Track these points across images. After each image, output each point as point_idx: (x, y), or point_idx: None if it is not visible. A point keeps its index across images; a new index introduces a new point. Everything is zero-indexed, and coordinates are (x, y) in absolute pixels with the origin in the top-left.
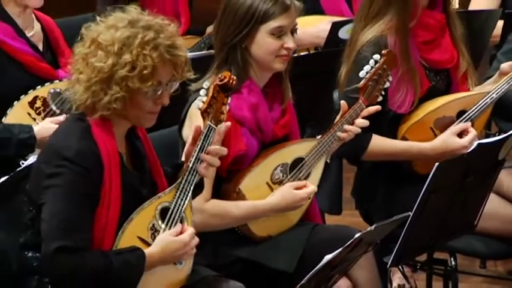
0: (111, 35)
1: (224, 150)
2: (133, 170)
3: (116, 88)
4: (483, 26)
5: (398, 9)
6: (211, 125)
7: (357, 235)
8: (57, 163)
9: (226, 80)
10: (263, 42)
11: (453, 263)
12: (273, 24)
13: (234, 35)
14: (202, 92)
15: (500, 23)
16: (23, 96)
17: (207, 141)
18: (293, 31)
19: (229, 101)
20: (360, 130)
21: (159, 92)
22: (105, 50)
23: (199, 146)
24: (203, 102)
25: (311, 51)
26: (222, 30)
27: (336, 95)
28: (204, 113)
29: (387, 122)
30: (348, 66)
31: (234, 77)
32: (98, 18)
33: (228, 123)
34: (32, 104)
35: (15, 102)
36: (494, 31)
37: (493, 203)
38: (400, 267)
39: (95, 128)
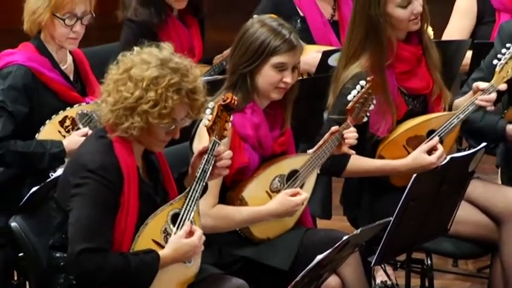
0: (142, 71)
1: (230, 152)
2: (148, 180)
3: (137, 118)
4: (454, 54)
5: (373, 52)
6: (216, 140)
7: (344, 238)
8: (82, 174)
9: (228, 100)
10: (266, 74)
11: (429, 262)
12: (277, 59)
13: (246, 65)
14: (208, 111)
15: (469, 53)
16: (54, 116)
17: (212, 155)
18: (294, 68)
19: (231, 119)
20: (355, 142)
21: (172, 127)
22: (134, 82)
23: (205, 159)
24: (209, 120)
25: (304, 77)
26: (235, 58)
27: (325, 115)
28: (210, 129)
29: (369, 143)
30: (333, 100)
31: (236, 98)
32: (135, 48)
33: (226, 140)
34: (62, 123)
35: (47, 121)
36: (464, 60)
37: (464, 209)
38: (382, 265)
39: (116, 144)
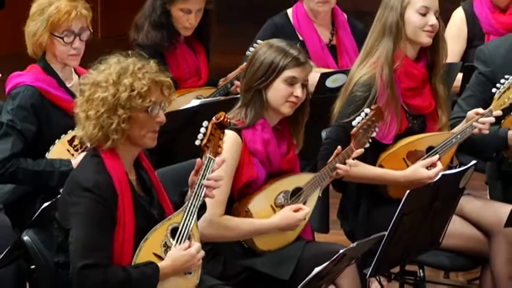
0: (106, 74)
1: (222, 176)
2: (143, 194)
3: (121, 111)
4: (446, 76)
5: (387, 48)
6: (211, 156)
7: (341, 251)
8: (78, 193)
9: (222, 118)
10: (277, 88)
11: (422, 274)
12: (288, 73)
13: (260, 82)
14: (202, 129)
15: (460, 75)
16: (63, 135)
17: (208, 171)
18: (304, 84)
19: (225, 136)
20: (349, 169)
21: (156, 111)
22: (103, 85)
23: (201, 175)
24: (203, 138)
25: None
26: (248, 77)
27: (323, 134)
28: (204, 146)
29: (371, 151)
30: (343, 99)
31: (228, 116)
32: (90, 70)
33: (223, 157)
34: (70, 142)
35: (57, 140)
36: (455, 82)
37: (455, 224)
38: (377, 277)
39: (107, 162)
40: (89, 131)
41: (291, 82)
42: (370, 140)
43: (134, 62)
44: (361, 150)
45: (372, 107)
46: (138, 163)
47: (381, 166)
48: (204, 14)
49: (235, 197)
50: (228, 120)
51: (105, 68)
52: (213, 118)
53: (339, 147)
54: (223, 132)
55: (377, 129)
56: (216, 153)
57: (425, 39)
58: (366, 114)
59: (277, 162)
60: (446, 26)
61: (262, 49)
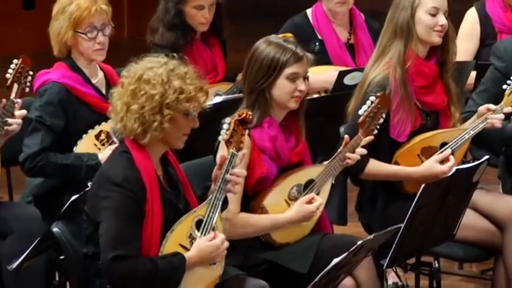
0: (155, 72)
1: (244, 172)
2: (169, 188)
3: (167, 111)
4: (460, 74)
5: (398, 49)
6: (234, 152)
7: (359, 242)
8: (108, 188)
9: (243, 115)
10: (281, 85)
11: (437, 265)
12: (289, 70)
13: (262, 82)
14: (225, 126)
15: (473, 73)
16: (90, 130)
17: (231, 165)
18: (305, 77)
19: (247, 132)
20: (359, 157)
21: (193, 115)
22: (152, 83)
23: (224, 169)
24: (226, 134)
25: (321, 94)
26: (250, 77)
27: (341, 129)
28: (227, 142)
29: (387, 149)
30: (358, 98)
31: (250, 113)
32: (132, 63)
33: (244, 151)
34: (97, 136)
35: (84, 135)
36: (469, 79)
37: (469, 217)
38: (393, 268)
39: (136, 157)
40: (128, 124)
41: (294, 78)
42: (378, 127)
43: (180, 65)
44: (370, 138)
45: (377, 94)
46: (164, 159)
47: (396, 163)
48: (216, 8)
49: (250, 194)
50: (250, 116)
51: (153, 66)
52: (236, 115)
53: (347, 136)
54: (246, 129)
55: (384, 115)
56: (239, 149)
57: (436, 39)
58: (372, 102)
59: (286, 156)
60: (457, 27)
61: (259, 49)
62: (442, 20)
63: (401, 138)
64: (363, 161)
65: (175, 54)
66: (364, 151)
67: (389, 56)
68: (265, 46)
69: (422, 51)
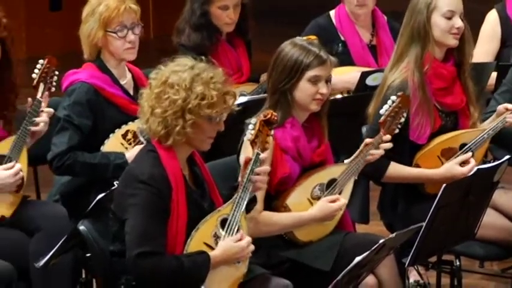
0: (180, 76)
1: (268, 168)
2: (195, 188)
3: (189, 116)
4: (481, 75)
5: (416, 53)
6: (258, 152)
7: (381, 241)
8: (135, 186)
9: (269, 116)
10: (303, 88)
11: (458, 263)
12: (311, 73)
13: (284, 83)
14: (250, 126)
15: (494, 74)
16: (117, 129)
17: (256, 165)
18: (328, 81)
19: (272, 133)
20: (383, 152)
21: (217, 119)
22: (176, 87)
23: (249, 169)
24: (251, 134)
25: (344, 95)
26: (274, 78)
27: (363, 129)
28: (253, 142)
29: (407, 152)
30: (376, 104)
31: (275, 114)
32: (161, 66)
33: (267, 153)
34: (124, 136)
35: (111, 134)
36: (490, 80)
37: (490, 216)
38: (415, 266)
39: (163, 157)
40: (153, 126)
41: (316, 81)
42: (399, 126)
43: (206, 69)
44: (388, 137)
45: (398, 94)
46: (191, 159)
47: (417, 165)
48: (241, 9)
49: (272, 194)
50: (275, 117)
51: (179, 70)
52: (261, 115)
53: (367, 139)
54: (271, 129)
55: (405, 115)
56: (264, 149)
57: (452, 42)
58: (393, 102)
59: (308, 156)
60: (474, 26)
61: (285, 50)
62: (458, 22)
63: (420, 140)
64: (384, 164)
65: (203, 57)
66: (390, 145)
67: (407, 60)
68: (290, 48)
69: (439, 54)
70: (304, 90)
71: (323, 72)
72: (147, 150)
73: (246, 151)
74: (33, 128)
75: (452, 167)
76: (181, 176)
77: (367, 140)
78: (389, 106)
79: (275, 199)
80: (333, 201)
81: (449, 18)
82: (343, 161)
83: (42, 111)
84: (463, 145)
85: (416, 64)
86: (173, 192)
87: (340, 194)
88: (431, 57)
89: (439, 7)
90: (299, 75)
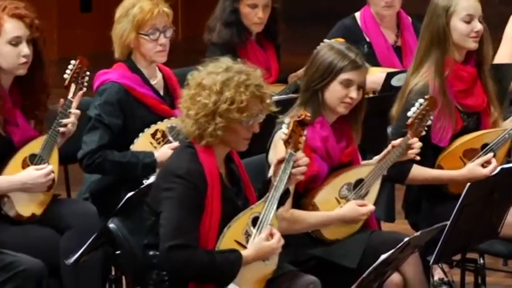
0: (213, 79)
1: (307, 159)
2: (231, 186)
3: (219, 119)
4: (504, 76)
5: (436, 57)
6: (292, 152)
7: (406, 239)
8: (171, 180)
9: (302, 116)
10: (333, 89)
11: (482, 261)
12: (344, 76)
13: (317, 82)
14: (284, 126)
15: None
16: (146, 129)
17: (289, 165)
18: (360, 87)
19: (305, 133)
20: (419, 150)
21: (251, 122)
22: (208, 90)
23: (282, 169)
24: (285, 134)
25: (370, 95)
26: (308, 76)
27: (389, 130)
28: (286, 142)
29: (430, 154)
30: (400, 107)
31: (309, 115)
32: (199, 67)
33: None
34: (153, 135)
35: (140, 133)
36: None
37: None
38: (440, 264)
39: (200, 153)
40: (187, 127)
41: (347, 84)
42: (426, 129)
43: (241, 71)
44: (414, 140)
45: (426, 96)
46: (229, 156)
47: (439, 166)
48: (272, 12)
49: (301, 192)
50: (309, 118)
51: (213, 72)
52: (295, 115)
53: (394, 141)
54: (304, 130)
55: (432, 118)
56: (297, 149)
57: (472, 45)
58: (420, 104)
59: (337, 157)
60: (500, 28)
61: (323, 50)
62: (477, 26)
63: (442, 143)
64: (407, 167)
65: (239, 59)
66: (420, 145)
67: (428, 64)
68: (326, 50)
69: (459, 56)
70: (334, 92)
71: (356, 77)
72: (185, 146)
73: (277, 149)
74: (61, 129)
75: (474, 168)
76: (217, 173)
77: (394, 142)
78: (417, 108)
79: (303, 197)
80: (362, 205)
81: (469, 22)
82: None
83: (70, 112)
84: (484, 145)
85: (437, 68)
86: (208, 188)
87: (367, 194)
88: (451, 60)
89: (457, 11)
90: (332, 76)
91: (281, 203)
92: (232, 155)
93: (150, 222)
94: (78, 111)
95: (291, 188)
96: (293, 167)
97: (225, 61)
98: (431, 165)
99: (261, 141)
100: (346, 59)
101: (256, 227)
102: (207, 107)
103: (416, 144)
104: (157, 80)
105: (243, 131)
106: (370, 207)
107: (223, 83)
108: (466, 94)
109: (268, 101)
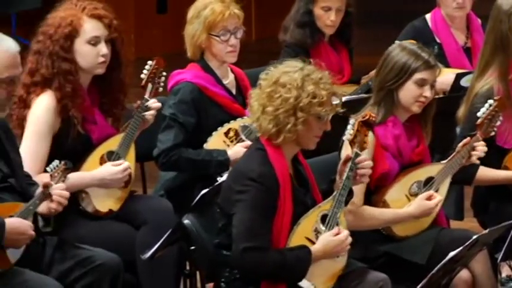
0: (290, 76)
1: (370, 163)
2: (299, 186)
3: (300, 114)
4: None
5: (499, 64)
6: (357, 151)
7: (474, 237)
8: (244, 182)
9: (367, 117)
10: (408, 89)
11: None
12: (418, 76)
13: (392, 82)
14: (349, 126)
15: None
16: (219, 128)
17: (354, 164)
18: (432, 85)
19: (370, 133)
20: (483, 154)
21: (325, 119)
22: (287, 87)
23: (348, 167)
24: (350, 134)
25: (440, 95)
26: (381, 76)
27: (457, 129)
28: (351, 142)
29: (495, 155)
30: (465, 110)
31: (373, 115)
32: (271, 67)
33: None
34: (226, 134)
35: (214, 132)
36: None
37: None
38: (508, 261)
39: (271, 155)
40: (263, 124)
41: (421, 84)
42: (495, 129)
43: (315, 71)
44: (482, 144)
45: (495, 97)
46: (295, 158)
47: (505, 167)
48: (345, 16)
49: (372, 189)
50: (374, 118)
51: (289, 71)
52: (360, 116)
53: (465, 140)
54: (369, 130)
55: (501, 118)
56: (362, 149)
57: None
58: (490, 105)
59: (408, 155)
60: None
61: (395, 51)
62: None
63: (507, 145)
64: (473, 168)
65: (311, 60)
66: (485, 149)
67: (493, 69)
68: (399, 50)
69: None
70: (409, 91)
71: (430, 77)
72: (255, 148)
73: (347, 149)
74: (146, 115)
75: None
76: (288, 174)
77: (465, 140)
78: (487, 109)
79: (374, 194)
80: (429, 198)
81: None
82: (439, 160)
83: (147, 106)
84: None
85: (501, 72)
86: (281, 189)
87: (436, 191)
88: None
89: None
90: (407, 76)
91: (345, 203)
92: (298, 156)
93: (222, 223)
94: (159, 104)
95: (363, 186)
96: (357, 169)
97: (297, 62)
98: (497, 167)
99: (330, 140)
100: (419, 59)
101: (325, 224)
102: (288, 101)
103: (480, 147)
104: (229, 80)
105: (318, 127)
106: (438, 197)
107: (303, 79)
108: None
109: (338, 100)
